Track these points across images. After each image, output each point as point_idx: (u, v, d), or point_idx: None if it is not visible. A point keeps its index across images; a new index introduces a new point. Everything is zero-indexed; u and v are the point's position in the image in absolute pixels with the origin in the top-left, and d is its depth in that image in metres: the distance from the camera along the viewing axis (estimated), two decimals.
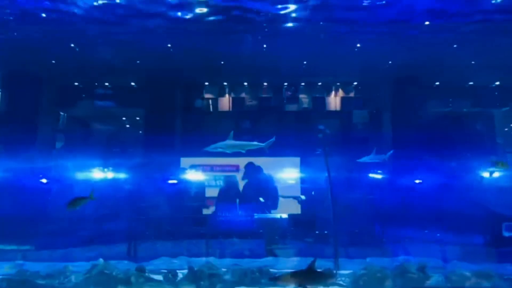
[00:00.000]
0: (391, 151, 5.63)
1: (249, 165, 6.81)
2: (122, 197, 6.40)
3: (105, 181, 6.65)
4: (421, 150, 6.57)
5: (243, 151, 4.44)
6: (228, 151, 4.46)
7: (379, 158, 5.66)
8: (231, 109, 9.34)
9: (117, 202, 6.29)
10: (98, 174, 6.74)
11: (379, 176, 7.41)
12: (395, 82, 8.50)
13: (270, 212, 6.33)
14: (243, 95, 9.45)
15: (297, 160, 8.05)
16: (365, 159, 5.64)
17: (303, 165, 7.95)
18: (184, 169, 7.29)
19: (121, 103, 9.19)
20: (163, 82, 8.69)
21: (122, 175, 6.83)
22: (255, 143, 4.51)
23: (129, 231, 5.86)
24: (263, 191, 6.61)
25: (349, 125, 9.15)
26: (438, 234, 5.65)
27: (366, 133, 8.92)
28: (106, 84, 9.27)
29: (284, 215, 6.04)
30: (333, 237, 5.00)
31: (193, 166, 7.65)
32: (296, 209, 7.10)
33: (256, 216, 6.01)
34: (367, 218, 6.56)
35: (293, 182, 7.58)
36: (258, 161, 7.08)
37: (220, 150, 4.45)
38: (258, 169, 6.79)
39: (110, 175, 6.84)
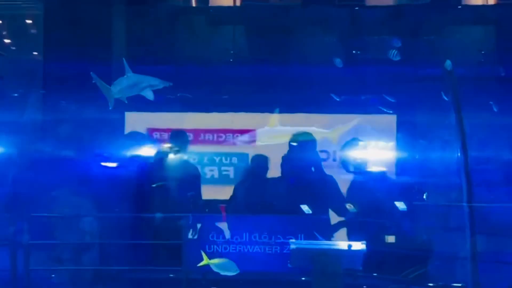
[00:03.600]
0: None
1: (297, 136, 6.97)
2: None
3: None
4: None
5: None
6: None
7: None
8: None
9: None
10: None
11: None
12: None
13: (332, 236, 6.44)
14: None
15: (390, 120, 8.07)
16: None
17: (405, 132, 8.01)
18: (134, 138, 7.28)
19: None
20: None
21: None
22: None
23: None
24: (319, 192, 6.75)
25: None
26: None
27: None
28: None
29: (358, 244, 5.87)
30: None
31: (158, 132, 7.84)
32: (389, 229, 7.14)
33: (293, 244, 5.91)
34: None
35: (380, 169, 7.53)
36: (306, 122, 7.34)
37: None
38: (311, 145, 6.99)
39: None
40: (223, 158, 8.37)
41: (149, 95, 5.09)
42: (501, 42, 8.55)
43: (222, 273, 5.76)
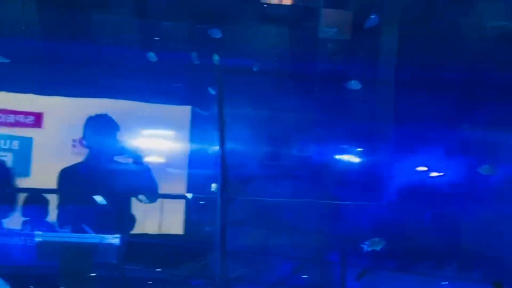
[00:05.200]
0: None
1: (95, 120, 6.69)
2: None
3: None
4: None
5: None
6: None
7: None
8: None
9: None
10: None
11: None
12: None
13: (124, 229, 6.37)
14: None
15: (185, 112, 8.07)
16: None
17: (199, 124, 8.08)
18: None
19: None
20: None
21: None
22: None
23: None
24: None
25: None
26: None
27: None
28: None
29: (112, 237, 5.77)
30: None
31: None
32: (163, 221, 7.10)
33: (39, 236, 5.70)
34: None
35: (162, 160, 7.72)
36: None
37: None
38: (113, 128, 6.73)
39: None
40: (1, 142, 7.92)
41: None
42: (293, 40, 8.87)
43: None
